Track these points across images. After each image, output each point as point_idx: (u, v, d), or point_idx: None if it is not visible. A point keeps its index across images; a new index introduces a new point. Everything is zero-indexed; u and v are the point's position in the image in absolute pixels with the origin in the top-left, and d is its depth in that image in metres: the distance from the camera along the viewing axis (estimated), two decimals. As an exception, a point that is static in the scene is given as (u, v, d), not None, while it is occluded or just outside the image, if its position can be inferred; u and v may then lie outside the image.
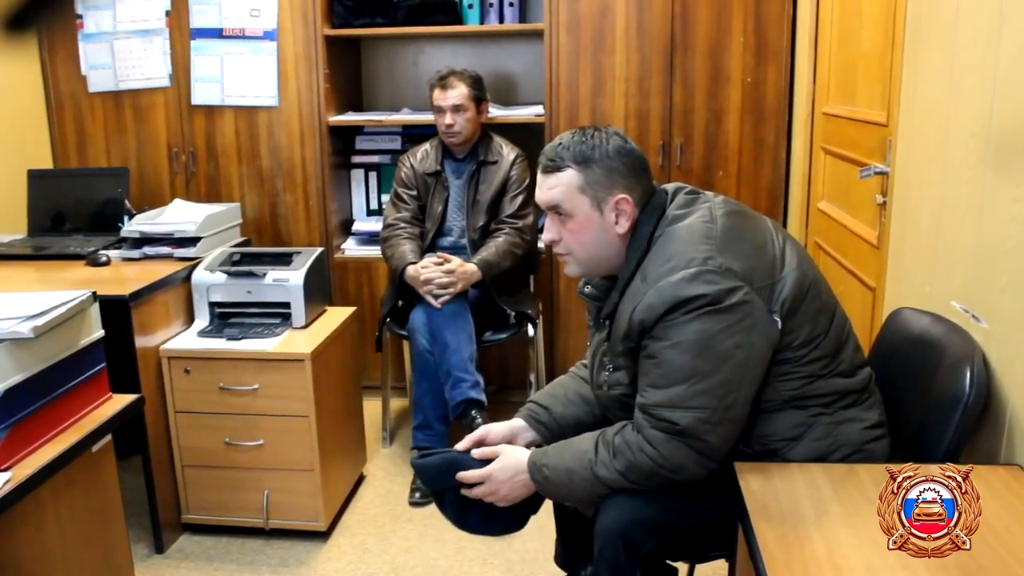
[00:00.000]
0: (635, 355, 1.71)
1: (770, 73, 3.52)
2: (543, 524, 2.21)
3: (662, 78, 3.57)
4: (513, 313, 3.36)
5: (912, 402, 1.83)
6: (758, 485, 1.58)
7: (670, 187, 1.81)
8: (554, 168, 1.74)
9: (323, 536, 2.82)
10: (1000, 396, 1.74)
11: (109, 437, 1.83)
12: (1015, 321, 1.70)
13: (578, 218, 1.74)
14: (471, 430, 3.01)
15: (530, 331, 3.41)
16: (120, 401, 1.88)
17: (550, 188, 1.75)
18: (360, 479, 3.20)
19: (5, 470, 1.57)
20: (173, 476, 2.79)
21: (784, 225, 3.64)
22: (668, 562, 1.86)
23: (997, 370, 1.75)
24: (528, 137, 3.65)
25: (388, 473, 3.27)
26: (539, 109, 3.74)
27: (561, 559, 2.27)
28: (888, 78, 2.42)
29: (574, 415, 1.99)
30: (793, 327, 1.66)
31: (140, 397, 1.92)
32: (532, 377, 3.54)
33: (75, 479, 1.72)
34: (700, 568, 2.25)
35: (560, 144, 1.75)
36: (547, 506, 1.99)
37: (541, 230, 3.69)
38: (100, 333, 1.88)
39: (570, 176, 1.72)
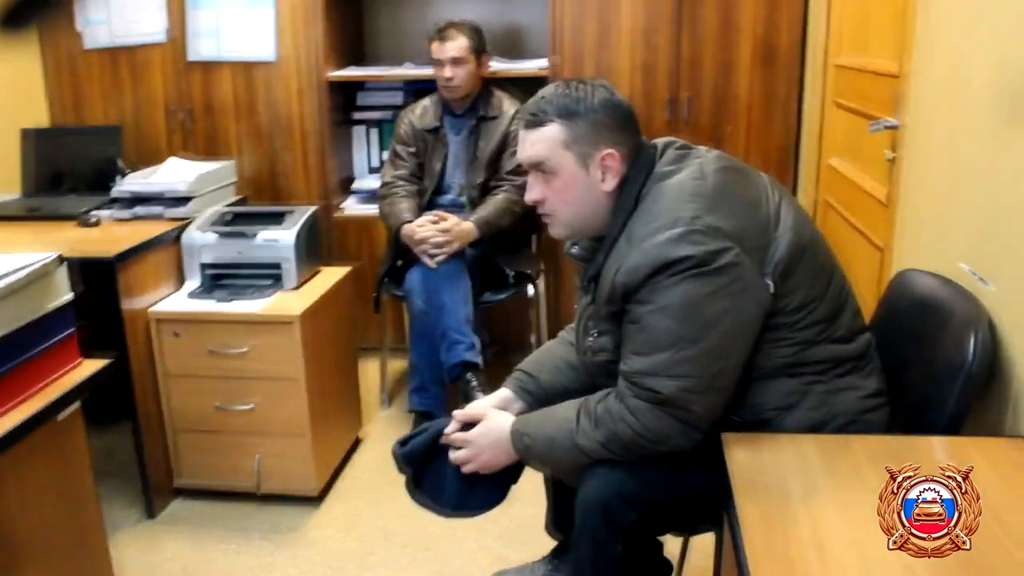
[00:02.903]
0: (619, 319, 1.63)
1: (783, 22, 3.38)
2: (538, 490, 2.15)
3: (670, 29, 3.43)
4: (513, 273, 3.28)
5: (915, 369, 1.74)
6: (746, 458, 1.49)
7: (660, 142, 1.71)
8: (536, 123, 1.64)
9: (316, 501, 2.77)
10: (1007, 363, 1.64)
11: (77, 404, 1.76)
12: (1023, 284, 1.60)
13: (563, 175, 1.64)
14: (467, 393, 2.98)
15: (530, 291, 3.33)
16: (90, 367, 1.81)
17: (532, 144, 1.65)
18: (356, 442, 3.14)
19: (-38, 439, 1.52)
20: (164, 440, 2.75)
21: (795, 183, 3.51)
22: (657, 536, 1.80)
23: (1005, 336, 1.65)
24: (533, 91, 3.52)
25: (386, 436, 3.21)
26: (543, 62, 3.61)
27: (553, 527, 2.22)
28: (902, 25, 2.29)
29: (562, 383, 1.91)
30: (787, 291, 1.57)
31: (111, 362, 1.85)
32: (533, 338, 3.46)
33: (38, 448, 1.66)
34: (695, 540, 2.18)
35: (543, 98, 1.66)
36: (539, 474, 1.93)
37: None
38: (69, 296, 1.81)
39: (553, 131, 1.63)
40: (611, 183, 1.64)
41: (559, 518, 2.20)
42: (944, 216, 1.97)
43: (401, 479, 1.93)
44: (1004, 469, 1.46)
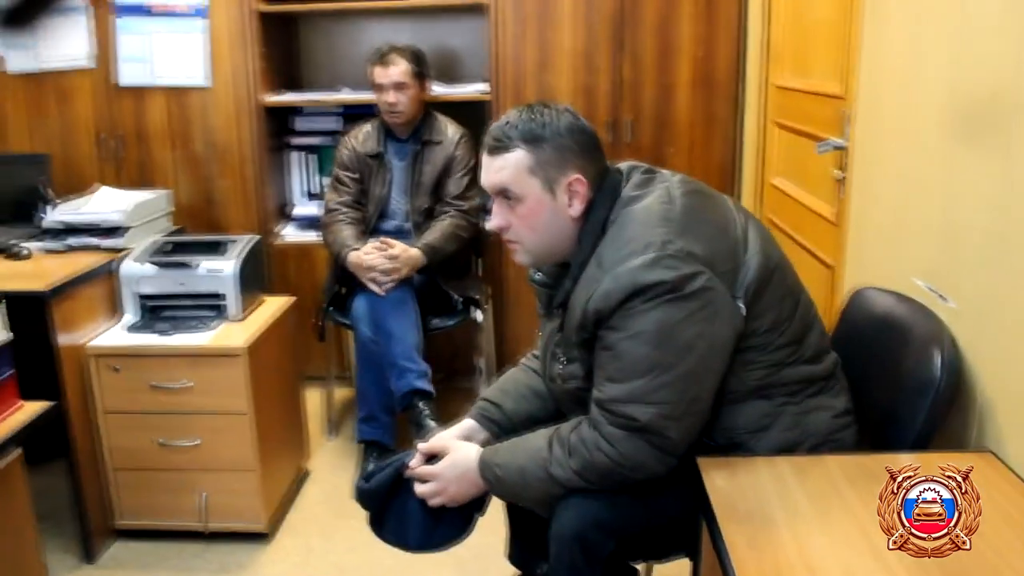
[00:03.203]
0: (590, 346, 1.60)
1: (721, 45, 3.43)
2: (493, 518, 2.10)
3: (610, 52, 3.45)
4: (460, 298, 3.24)
5: (878, 387, 1.75)
6: (724, 482, 1.48)
7: (624, 166, 1.70)
8: (501, 148, 1.61)
9: (265, 538, 2.68)
10: (970, 378, 1.66)
11: (19, 451, 1.67)
12: (984, 300, 1.63)
13: (528, 202, 1.61)
14: (418, 421, 2.92)
15: (478, 316, 3.29)
16: (30, 410, 1.72)
17: (497, 170, 1.62)
18: (304, 475, 3.06)
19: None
20: (103, 480, 2.63)
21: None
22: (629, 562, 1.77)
23: (966, 351, 1.67)
24: (472, 115, 3.52)
25: (333, 468, 3.13)
26: (483, 86, 3.60)
27: (515, 557, 2.17)
28: (845, 49, 2.34)
29: (527, 411, 1.87)
30: (758, 313, 1.56)
31: (54, 405, 1.76)
32: (481, 363, 3.43)
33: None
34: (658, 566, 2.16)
35: (507, 123, 1.62)
36: (499, 501, 1.88)
37: (486, 211, 3.59)
38: (7, 336, 1.72)
39: (519, 157, 1.60)
40: (578, 208, 1.62)
41: (518, 551, 2.16)
42: (896, 234, 2.00)
43: (352, 511, 1.87)
44: (976, 483, 1.47)
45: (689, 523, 1.57)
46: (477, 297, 3.27)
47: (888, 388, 1.71)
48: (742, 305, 1.54)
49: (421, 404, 2.94)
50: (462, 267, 3.34)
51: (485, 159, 1.64)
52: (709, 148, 3.53)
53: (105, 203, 3.01)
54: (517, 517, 2.08)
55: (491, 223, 1.67)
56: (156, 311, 2.73)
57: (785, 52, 2.98)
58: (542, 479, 1.61)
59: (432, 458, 1.80)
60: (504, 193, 1.62)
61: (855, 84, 2.23)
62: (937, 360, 1.60)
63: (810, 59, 2.70)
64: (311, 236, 3.61)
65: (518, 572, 2.21)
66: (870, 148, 2.16)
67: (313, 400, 3.35)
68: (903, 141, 1.97)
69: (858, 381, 1.77)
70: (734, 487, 1.47)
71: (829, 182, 2.45)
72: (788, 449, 1.60)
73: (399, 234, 3.20)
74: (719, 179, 3.52)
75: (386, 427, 3.04)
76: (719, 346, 1.53)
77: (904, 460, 1.56)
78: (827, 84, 2.50)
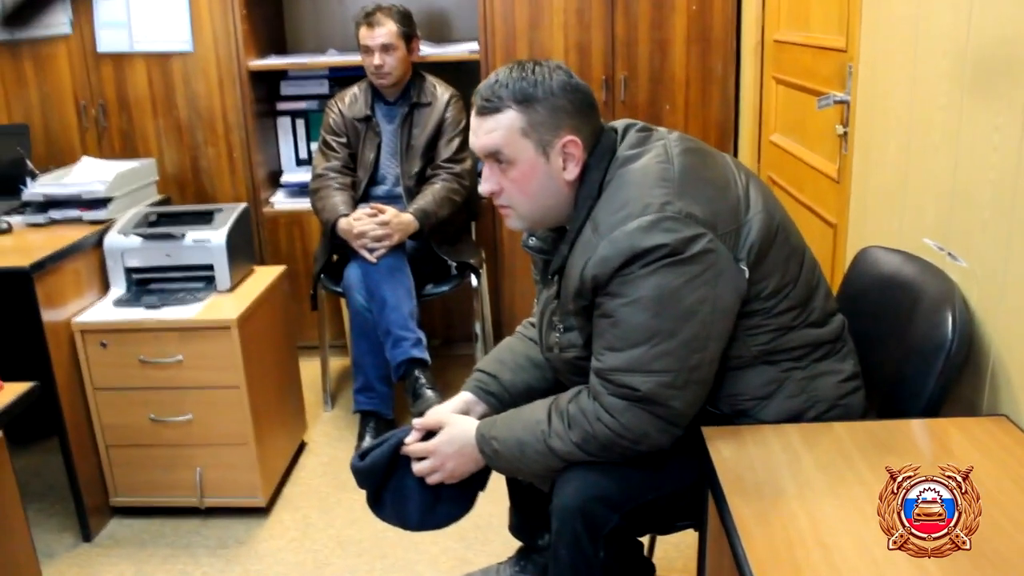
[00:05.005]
0: (588, 314, 1.54)
1: (716, -1, 3.34)
2: (497, 487, 2.06)
3: (603, 8, 3.35)
4: (455, 264, 3.18)
5: (886, 349, 1.70)
6: (730, 452, 1.43)
7: (619, 124, 1.63)
8: (492, 109, 1.53)
9: (263, 512, 2.64)
10: (982, 341, 1.61)
11: (-1, 433, 1.62)
12: (997, 259, 1.57)
13: (521, 165, 1.54)
14: (415, 390, 2.87)
15: (473, 282, 3.23)
16: (13, 391, 1.66)
17: (488, 132, 1.54)
18: (301, 447, 3.02)
19: None
20: (96, 457, 2.58)
21: (735, 160, 3.48)
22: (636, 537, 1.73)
23: (978, 312, 1.62)
24: (462, 76, 3.43)
25: (331, 439, 3.09)
26: (473, 46, 3.51)
27: (516, 528, 2.14)
28: (846, 0, 2.26)
29: (525, 382, 1.82)
30: (761, 276, 1.50)
31: (35, 386, 1.70)
32: (478, 328, 3.38)
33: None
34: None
35: (497, 81, 1.55)
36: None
37: (480, 174, 3.51)
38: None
39: (511, 118, 1.52)
40: (573, 171, 1.55)
41: (519, 522, 2.12)
42: (903, 191, 1.94)
43: (352, 484, 1.82)
44: (989, 448, 1.43)
45: (696, 494, 1.53)
46: (472, 262, 3.21)
47: (897, 351, 1.66)
48: (745, 267, 1.48)
49: (418, 373, 2.89)
50: (456, 232, 3.27)
51: (474, 120, 1.56)
52: (706, 105, 3.45)
53: (87, 174, 2.94)
54: (518, 489, 2.05)
55: (482, 187, 1.61)
56: (144, 283, 2.67)
57: (783, 5, 2.89)
58: (541, 452, 1.56)
59: (429, 434, 1.75)
60: (495, 156, 1.55)
61: (857, 35, 2.15)
62: (949, 322, 1.55)
63: (810, 11, 2.61)
64: (302, 203, 3.53)
65: (520, 544, 2.18)
66: (874, 102, 2.09)
67: (309, 370, 3.30)
68: (909, 95, 1.89)
69: (864, 343, 1.72)
70: (741, 457, 1.42)
71: (831, 138, 2.38)
72: (795, 416, 1.55)
73: (390, 199, 3.13)
74: (717, 137, 3.45)
75: (383, 397, 2.99)
76: (722, 311, 1.47)
77: (917, 427, 1.52)
78: (828, 37, 2.42)
